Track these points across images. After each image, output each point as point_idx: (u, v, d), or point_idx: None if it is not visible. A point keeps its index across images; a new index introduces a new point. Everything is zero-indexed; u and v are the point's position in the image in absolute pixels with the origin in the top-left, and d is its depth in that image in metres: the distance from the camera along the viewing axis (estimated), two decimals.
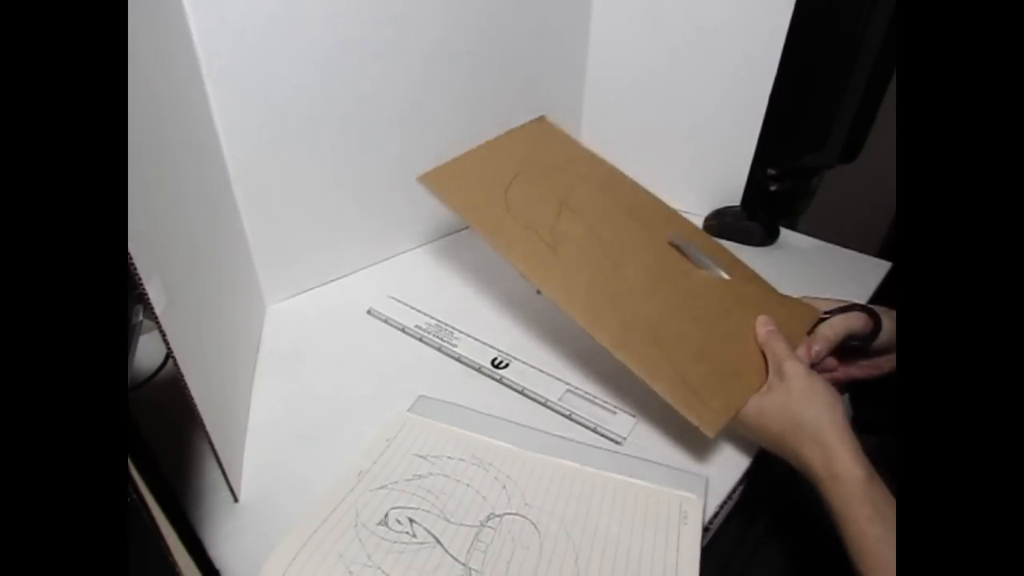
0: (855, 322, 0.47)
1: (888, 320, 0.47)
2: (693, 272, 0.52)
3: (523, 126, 0.60)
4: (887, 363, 0.49)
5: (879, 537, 0.35)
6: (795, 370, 0.43)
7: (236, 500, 0.42)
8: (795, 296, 0.53)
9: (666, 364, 0.44)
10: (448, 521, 0.40)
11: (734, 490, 0.44)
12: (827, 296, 0.52)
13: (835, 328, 0.47)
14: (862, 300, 0.65)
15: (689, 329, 0.47)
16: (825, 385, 0.42)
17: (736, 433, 0.47)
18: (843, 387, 0.50)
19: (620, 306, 0.47)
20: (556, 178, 0.56)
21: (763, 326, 0.47)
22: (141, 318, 0.49)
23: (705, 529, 0.40)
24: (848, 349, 0.48)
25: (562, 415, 0.50)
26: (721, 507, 0.43)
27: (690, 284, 0.51)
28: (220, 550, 0.39)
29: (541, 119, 0.62)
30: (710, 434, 0.41)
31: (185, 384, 0.33)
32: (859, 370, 0.50)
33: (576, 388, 0.52)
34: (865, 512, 0.36)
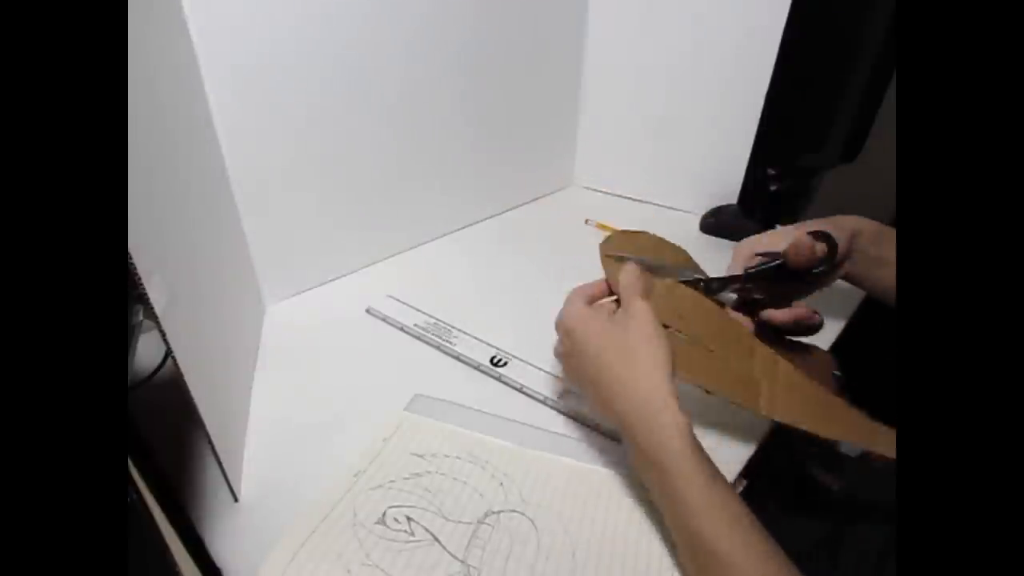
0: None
1: (835, 232, 0.46)
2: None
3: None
4: (842, 270, 0.49)
5: (723, 502, 0.33)
6: (644, 305, 0.40)
7: (236, 500, 0.42)
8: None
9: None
10: (446, 519, 0.40)
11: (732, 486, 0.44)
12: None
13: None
14: (857, 298, 0.65)
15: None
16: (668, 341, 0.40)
17: (735, 433, 0.47)
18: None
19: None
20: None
21: (625, 272, 0.43)
22: (141, 318, 0.49)
23: None
24: (816, 275, 0.47)
25: (561, 412, 0.50)
26: None
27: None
28: (220, 550, 0.39)
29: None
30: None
31: (185, 384, 0.33)
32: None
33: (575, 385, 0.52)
34: (707, 470, 0.34)
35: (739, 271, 0.48)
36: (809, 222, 0.48)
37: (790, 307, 0.47)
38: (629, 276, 0.43)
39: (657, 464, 0.35)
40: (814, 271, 0.45)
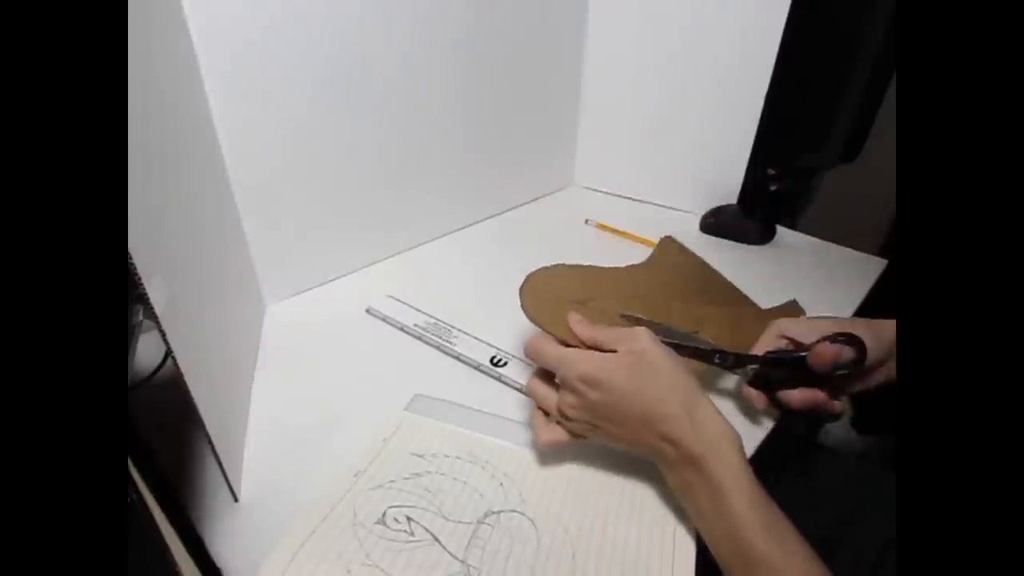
0: (844, 352, 0.44)
1: (871, 339, 0.44)
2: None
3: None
4: (880, 375, 0.46)
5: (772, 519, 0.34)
6: (646, 333, 0.40)
7: (236, 500, 0.42)
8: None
9: None
10: (446, 519, 0.40)
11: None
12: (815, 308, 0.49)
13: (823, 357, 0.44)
14: (857, 298, 0.65)
15: None
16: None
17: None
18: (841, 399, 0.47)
19: None
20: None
21: (577, 323, 0.42)
22: (141, 318, 0.49)
23: None
24: (839, 377, 0.45)
25: None
26: None
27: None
28: (220, 550, 0.39)
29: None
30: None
31: (185, 384, 0.33)
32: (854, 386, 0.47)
33: None
34: (757, 482, 0.34)
35: (761, 351, 0.46)
36: (848, 320, 0.45)
37: (808, 389, 0.45)
38: (599, 326, 0.42)
39: (711, 477, 0.36)
40: (836, 373, 0.44)
